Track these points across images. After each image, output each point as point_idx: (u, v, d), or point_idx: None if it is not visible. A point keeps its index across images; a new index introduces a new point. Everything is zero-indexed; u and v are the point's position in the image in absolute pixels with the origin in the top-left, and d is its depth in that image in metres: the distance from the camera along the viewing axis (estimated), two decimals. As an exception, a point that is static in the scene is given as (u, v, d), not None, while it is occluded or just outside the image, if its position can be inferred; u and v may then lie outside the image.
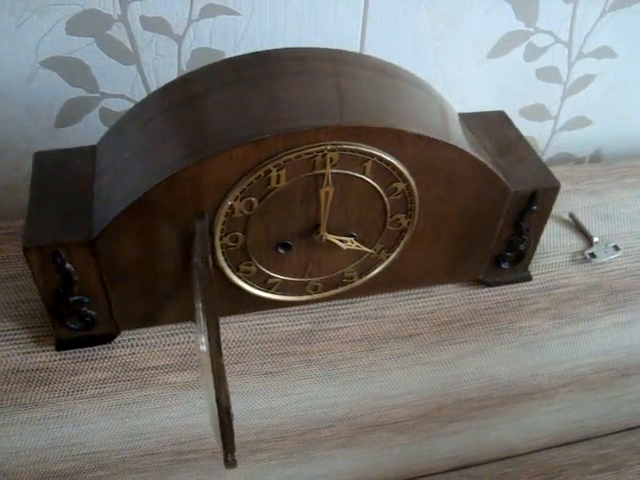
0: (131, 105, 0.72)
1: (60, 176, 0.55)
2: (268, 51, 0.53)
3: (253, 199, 0.49)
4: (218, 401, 0.35)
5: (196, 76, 0.53)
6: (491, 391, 0.71)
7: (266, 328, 0.62)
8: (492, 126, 0.64)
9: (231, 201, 0.49)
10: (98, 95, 0.72)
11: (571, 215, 0.75)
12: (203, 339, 0.40)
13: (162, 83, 0.54)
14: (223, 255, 0.53)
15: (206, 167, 0.46)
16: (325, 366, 0.63)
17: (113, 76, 0.70)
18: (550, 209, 0.61)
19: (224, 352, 0.60)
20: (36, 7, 0.63)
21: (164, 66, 0.71)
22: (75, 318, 0.55)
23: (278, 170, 0.47)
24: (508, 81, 0.84)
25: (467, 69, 0.81)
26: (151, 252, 0.51)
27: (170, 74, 0.72)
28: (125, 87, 0.72)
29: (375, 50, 0.75)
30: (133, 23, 0.66)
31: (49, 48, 0.66)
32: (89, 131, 0.74)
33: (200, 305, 0.38)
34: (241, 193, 0.48)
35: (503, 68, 0.82)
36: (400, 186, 0.52)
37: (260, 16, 0.69)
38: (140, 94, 0.72)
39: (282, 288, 0.58)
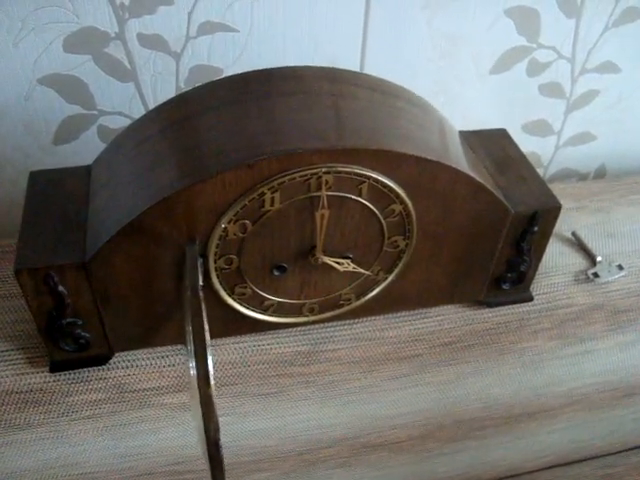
0: (129, 122, 0.71)
1: (54, 196, 0.54)
2: (265, 70, 0.52)
3: (247, 222, 0.48)
4: (207, 434, 0.34)
5: (192, 95, 0.52)
6: (493, 411, 0.70)
7: (263, 350, 0.61)
8: (493, 144, 0.63)
9: (225, 224, 0.48)
10: (96, 112, 0.71)
11: (574, 234, 0.74)
12: (192, 363, 0.40)
13: (160, 100, 0.53)
14: (218, 278, 0.52)
15: (198, 190, 0.45)
16: (323, 387, 0.62)
17: (111, 93, 0.70)
18: (551, 230, 0.60)
19: (220, 374, 0.60)
20: (33, 25, 0.63)
21: (162, 83, 0.70)
22: (69, 340, 0.55)
23: (272, 193, 0.47)
24: (510, 97, 0.83)
25: (469, 85, 0.80)
26: (145, 274, 0.51)
27: (168, 91, 0.71)
28: (123, 104, 0.72)
29: (375, 67, 0.74)
30: (130, 40, 0.66)
31: (46, 66, 0.66)
32: (87, 149, 0.74)
33: (190, 329, 0.38)
34: (235, 216, 0.48)
35: (505, 84, 0.81)
36: (397, 208, 0.51)
37: (258, 33, 0.68)
38: (138, 111, 0.72)
39: (278, 310, 0.57)
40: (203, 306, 0.50)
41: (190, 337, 0.37)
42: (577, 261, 0.71)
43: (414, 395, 0.65)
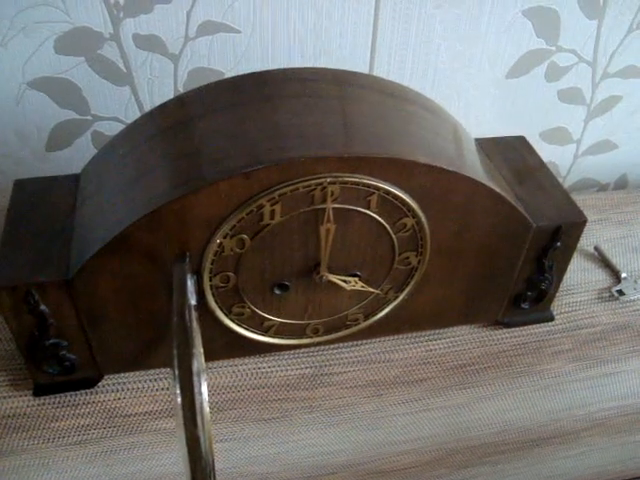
0: (124, 128, 0.68)
1: (39, 207, 0.51)
2: (267, 71, 0.49)
3: (245, 236, 0.45)
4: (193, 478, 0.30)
5: (188, 98, 0.49)
6: (507, 436, 0.67)
7: (263, 373, 0.58)
8: (511, 153, 0.60)
9: (220, 239, 0.45)
10: (90, 118, 0.69)
11: (596, 248, 0.71)
12: (178, 390, 0.36)
13: (157, 105, 0.50)
14: (213, 297, 0.49)
15: (191, 202, 0.42)
16: (328, 412, 0.60)
17: (105, 98, 0.67)
18: (575, 245, 0.57)
19: (218, 398, 0.57)
20: (22, 25, 0.60)
21: (159, 87, 0.68)
22: (53, 362, 0.52)
23: (272, 205, 0.44)
24: (528, 103, 0.80)
25: (484, 90, 0.77)
26: (134, 293, 0.47)
27: (166, 95, 0.68)
28: (118, 109, 0.69)
29: (385, 70, 0.72)
30: (126, 41, 0.63)
31: (37, 68, 0.63)
32: (81, 156, 0.71)
33: (175, 357, 0.34)
34: (231, 230, 0.44)
35: (523, 89, 0.78)
36: (409, 222, 0.48)
37: (261, 34, 0.66)
38: (134, 117, 0.67)
39: (280, 331, 0.54)
40: (197, 327, 0.47)
41: (175, 362, 0.33)
42: (600, 278, 0.69)
43: (424, 420, 0.63)
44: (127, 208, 0.45)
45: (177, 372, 0.33)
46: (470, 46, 0.72)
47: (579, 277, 0.69)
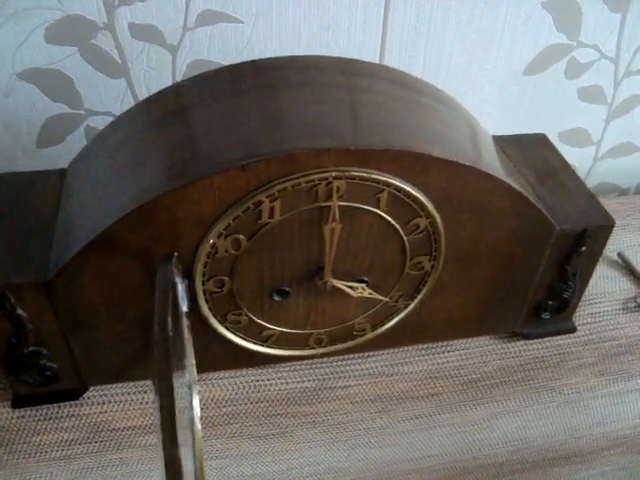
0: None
1: (20, 204, 0.48)
2: (269, 59, 0.47)
3: (241, 237, 0.42)
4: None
5: (185, 86, 0.47)
6: (524, 455, 0.65)
7: (262, 386, 0.56)
8: (531, 151, 0.57)
9: (214, 239, 0.42)
10: (83, 112, 0.67)
11: (620, 255, 0.69)
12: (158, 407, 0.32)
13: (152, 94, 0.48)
14: (207, 303, 0.46)
15: (181, 196, 0.39)
16: (331, 429, 0.58)
17: (99, 91, 0.65)
18: (601, 250, 0.54)
19: (212, 412, 0.55)
20: (11, 12, 0.58)
21: (157, 80, 0.65)
22: (33, 372, 0.49)
23: (271, 201, 0.40)
24: (546, 101, 0.78)
25: (500, 87, 0.75)
26: (120, 297, 0.44)
27: (163, 89, 0.65)
28: (113, 103, 0.67)
29: (395, 64, 0.69)
30: (121, 31, 0.61)
31: (27, 58, 0.61)
32: (73, 153, 0.66)
33: (156, 365, 0.30)
34: (225, 229, 0.41)
35: (541, 86, 0.76)
36: (422, 222, 0.45)
37: (265, 24, 0.63)
38: (130, 111, 0.66)
39: (280, 341, 0.51)
40: (189, 336, 0.44)
41: (156, 381, 0.29)
42: (625, 287, 0.67)
43: (434, 437, 0.61)
44: (113, 204, 0.42)
45: (157, 387, 0.29)
46: (486, 40, 0.70)
47: (602, 285, 0.67)
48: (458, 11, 0.67)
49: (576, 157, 0.85)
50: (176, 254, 0.39)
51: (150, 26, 0.61)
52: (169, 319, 0.30)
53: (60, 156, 0.69)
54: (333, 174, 0.40)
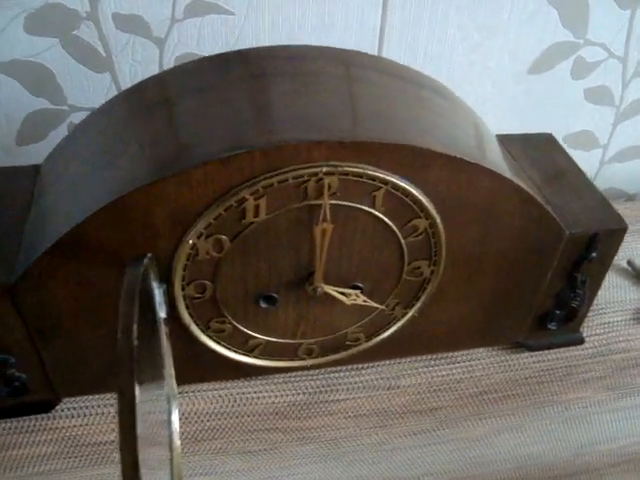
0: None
1: None
2: (258, 48, 0.45)
3: (223, 237, 0.40)
4: None
5: (168, 76, 0.45)
6: (527, 472, 0.64)
7: (249, 399, 0.54)
8: (537, 151, 0.55)
9: (193, 239, 0.39)
10: (66, 108, 0.64)
11: (630, 262, 0.68)
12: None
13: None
14: (187, 309, 0.43)
15: (157, 192, 0.36)
16: (324, 445, 0.56)
17: (83, 85, 0.63)
18: (612, 257, 0.52)
19: (195, 427, 0.53)
20: None
21: (143, 74, 0.63)
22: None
23: (256, 199, 0.38)
24: (551, 102, 0.76)
25: (503, 86, 0.73)
26: (92, 301, 0.42)
27: (150, 84, 0.63)
28: (98, 99, 0.64)
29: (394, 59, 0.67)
30: (105, 22, 0.59)
31: (5, 50, 0.59)
32: (56, 150, 0.66)
33: (118, 382, 0.27)
34: (206, 229, 0.39)
35: (546, 86, 0.74)
36: (422, 224, 0.43)
37: (257, 16, 0.61)
38: (114, 107, 0.63)
39: (267, 351, 0.49)
40: (167, 345, 0.41)
41: (118, 399, 0.26)
42: (635, 296, 0.65)
43: (434, 454, 0.59)
44: (85, 200, 0.39)
45: (118, 405, 0.26)
46: (489, 36, 0.68)
47: (611, 295, 0.65)
48: (459, 6, 0.65)
49: (582, 161, 0.81)
50: (150, 255, 0.36)
51: (136, 17, 0.59)
52: (134, 327, 0.27)
53: (41, 154, 0.64)
54: (324, 169, 0.38)
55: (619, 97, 0.78)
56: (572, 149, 0.82)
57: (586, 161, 0.84)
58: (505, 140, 0.55)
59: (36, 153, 0.66)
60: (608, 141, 0.83)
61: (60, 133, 0.66)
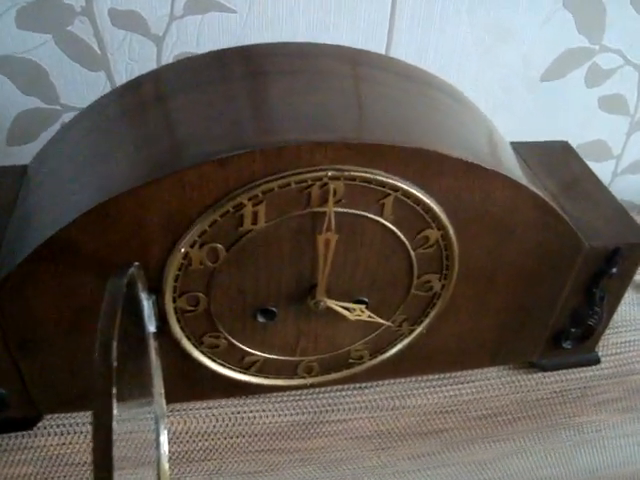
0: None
1: None
2: (260, 45, 0.43)
3: (219, 246, 0.37)
4: None
5: (167, 72, 0.44)
6: None
7: (244, 418, 0.53)
8: (553, 159, 0.54)
9: (186, 248, 0.37)
10: (58, 107, 0.63)
11: None
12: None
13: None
14: (179, 323, 0.41)
15: (147, 196, 0.34)
16: (324, 467, 0.54)
17: (76, 84, 0.62)
18: (634, 272, 0.50)
19: (188, 447, 0.51)
20: None
21: (139, 73, 0.61)
22: None
23: (255, 205, 0.36)
24: (564, 110, 0.75)
25: (515, 93, 0.72)
26: (76, 312, 0.39)
27: (146, 83, 0.61)
28: (92, 98, 0.61)
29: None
30: (100, 17, 0.58)
31: None
32: (47, 151, 0.64)
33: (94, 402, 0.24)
34: (200, 237, 0.37)
35: (559, 94, 0.73)
36: (433, 234, 0.41)
37: (260, 14, 0.60)
38: (109, 107, 0.62)
39: (264, 369, 0.47)
40: (157, 361, 0.38)
41: (93, 423, 0.23)
42: None
43: (440, 478, 0.57)
44: (70, 203, 0.37)
45: (93, 430, 0.23)
46: (501, 41, 0.67)
47: (628, 312, 0.63)
48: (471, 9, 0.63)
49: (594, 171, 0.82)
50: (137, 264, 0.34)
51: (133, 13, 0.58)
52: (114, 345, 0.24)
53: (33, 155, 0.65)
54: (329, 173, 0.35)
55: (634, 106, 0.76)
56: (585, 159, 0.80)
57: (598, 172, 0.80)
58: (520, 147, 0.53)
59: (28, 153, 0.63)
60: (622, 152, 0.81)
61: (52, 134, 0.64)
